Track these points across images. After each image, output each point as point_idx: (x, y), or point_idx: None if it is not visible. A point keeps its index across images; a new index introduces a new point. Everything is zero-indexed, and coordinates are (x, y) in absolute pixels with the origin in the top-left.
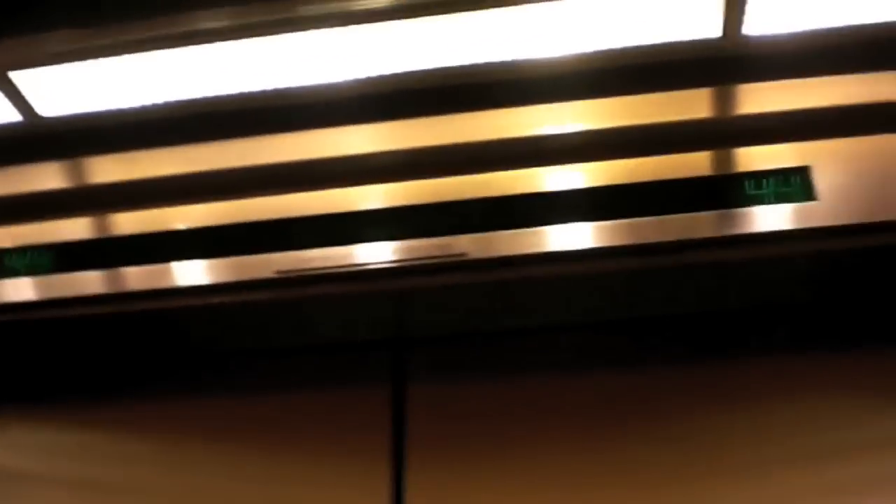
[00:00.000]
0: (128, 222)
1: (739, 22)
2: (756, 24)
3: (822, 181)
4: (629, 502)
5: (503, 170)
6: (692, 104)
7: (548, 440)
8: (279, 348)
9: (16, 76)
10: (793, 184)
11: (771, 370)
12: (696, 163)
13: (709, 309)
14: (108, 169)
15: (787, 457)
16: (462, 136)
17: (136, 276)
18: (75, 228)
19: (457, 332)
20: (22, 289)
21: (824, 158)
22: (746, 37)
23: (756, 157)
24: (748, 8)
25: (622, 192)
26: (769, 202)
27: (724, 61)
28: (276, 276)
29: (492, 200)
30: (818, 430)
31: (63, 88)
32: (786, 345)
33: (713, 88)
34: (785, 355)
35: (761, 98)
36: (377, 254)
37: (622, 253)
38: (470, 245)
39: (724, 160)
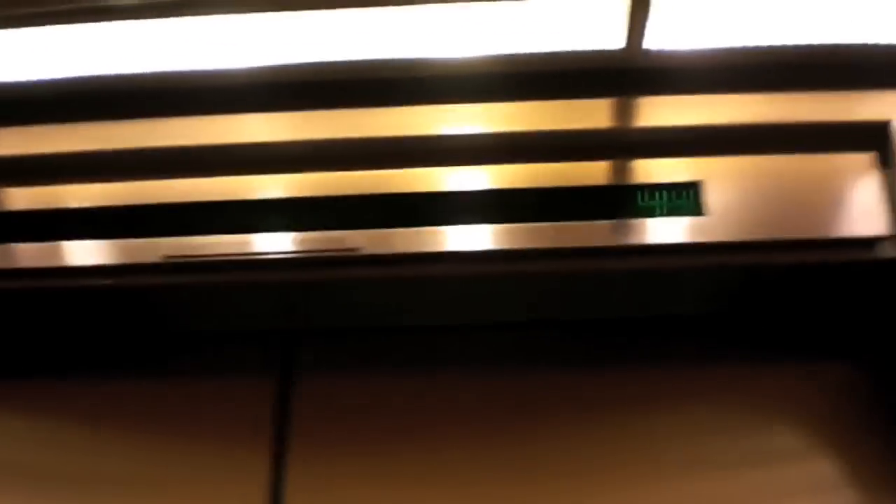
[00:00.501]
0: (17, 198)
1: (641, 35)
2: (658, 38)
3: (712, 197)
4: (513, 501)
5: (403, 167)
6: (593, 113)
7: (435, 439)
8: (166, 334)
9: None
10: (684, 198)
11: (663, 380)
12: (592, 172)
13: (604, 316)
14: None
15: (673, 466)
16: (364, 131)
17: (24, 254)
18: None
19: (349, 328)
20: None
21: (716, 175)
22: (648, 50)
23: (651, 170)
24: (650, 22)
25: (519, 196)
26: (661, 215)
27: (625, 73)
28: (163, 260)
29: (389, 197)
30: (705, 442)
31: None
32: (679, 356)
33: (614, 99)
34: (678, 366)
35: (660, 112)
36: (270, 244)
37: (517, 256)
38: (364, 240)
39: (621, 171)
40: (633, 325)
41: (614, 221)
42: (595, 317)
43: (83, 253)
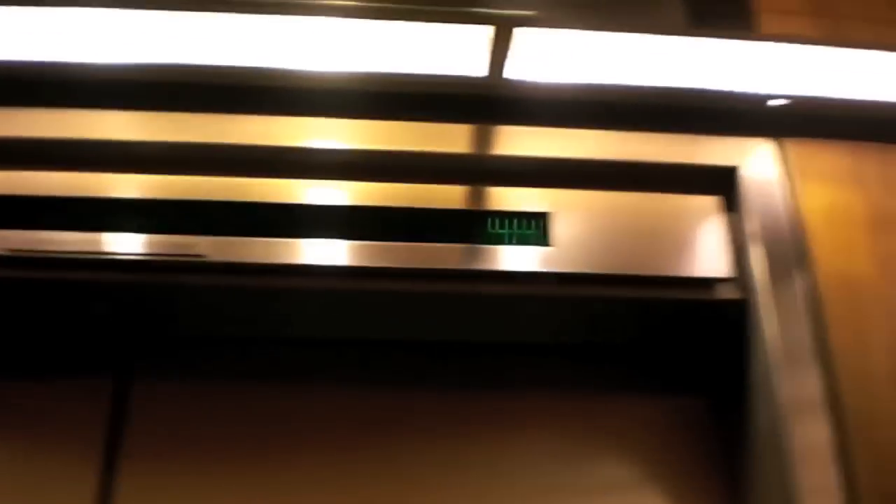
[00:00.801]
0: None
1: (502, 65)
2: (520, 69)
3: (559, 228)
4: None
5: (261, 176)
6: (452, 137)
7: (270, 451)
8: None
9: None
10: (532, 227)
11: (511, 406)
12: (447, 195)
13: (456, 339)
14: None
15: (515, 491)
16: (224, 137)
17: None
18: None
19: (190, 336)
20: None
21: (565, 207)
22: (510, 80)
23: (503, 198)
24: (513, 53)
25: (373, 214)
26: (510, 242)
27: (487, 101)
28: (6, 253)
29: (241, 205)
30: (546, 470)
31: None
32: (529, 383)
33: (473, 125)
34: (528, 393)
35: (517, 141)
36: (117, 244)
37: (366, 274)
38: (210, 247)
39: (474, 196)
40: (483, 351)
41: (465, 246)
42: (445, 339)
43: None
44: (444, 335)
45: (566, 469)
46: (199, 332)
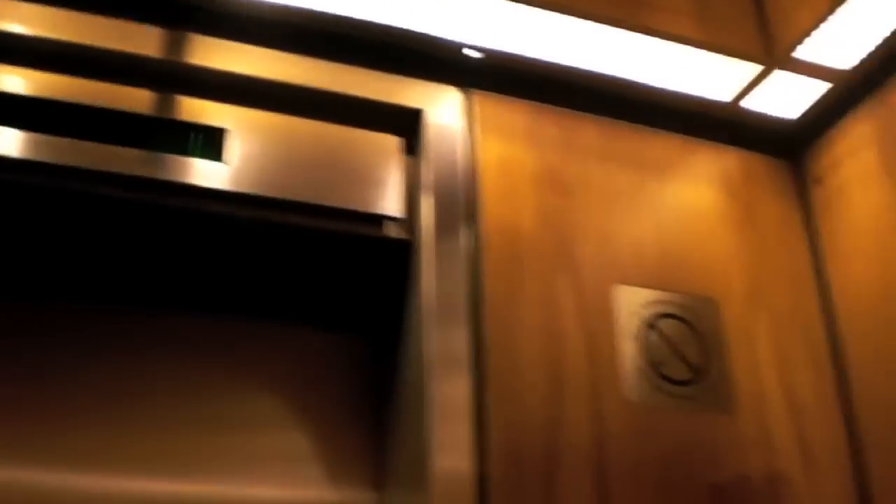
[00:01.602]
0: None
1: None
2: None
3: (236, 146)
4: None
5: None
6: (146, 40)
7: None
8: None
9: None
10: (209, 142)
11: (160, 328)
12: (131, 97)
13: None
14: None
15: (158, 419)
16: None
17: None
18: None
19: None
20: None
21: (245, 125)
22: None
23: (189, 109)
24: None
25: (48, 107)
26: (186, 154)
27: (188, 8)
28: None
29: None
30: (193, 399)
31: None
32: (185, 305)
33: (172, 31)
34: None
35: (212, 52)
36: None
37: (35, 168)
38: None
39: (159, 103)
40: (139, 267)
41: (145, 152)
42: (109, 257)
43: None
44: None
45: (211, 400)
46: None
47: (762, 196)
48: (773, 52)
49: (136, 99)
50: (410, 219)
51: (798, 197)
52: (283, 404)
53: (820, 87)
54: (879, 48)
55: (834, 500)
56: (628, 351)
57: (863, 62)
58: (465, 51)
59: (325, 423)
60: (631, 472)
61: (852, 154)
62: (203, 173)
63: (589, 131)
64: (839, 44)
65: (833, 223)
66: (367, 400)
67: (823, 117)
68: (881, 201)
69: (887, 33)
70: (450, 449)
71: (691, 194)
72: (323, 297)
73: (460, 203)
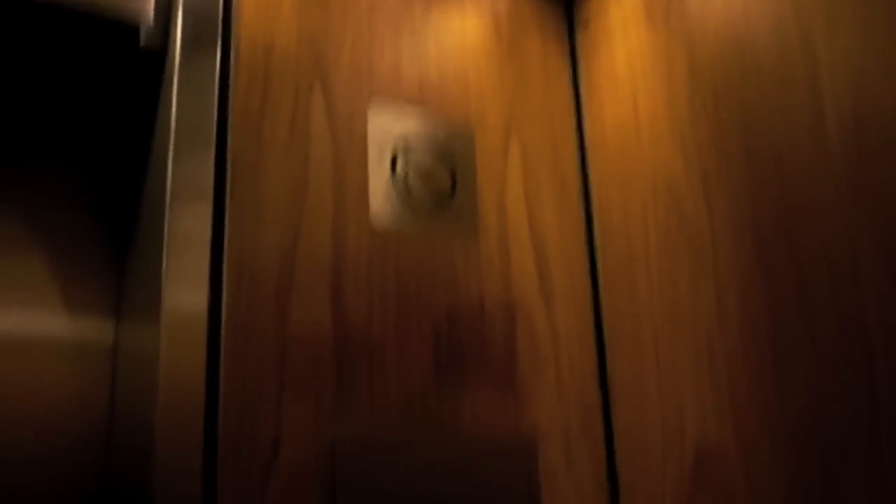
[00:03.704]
0: None
1: None
2: None
3: None
4: None
5: None
6: None
7: None
8: None
9: None
10: None
11: None
12: None
13: None
14: None
15: None
16: None
17: None
18: None
19: None
20: None
21: None
22: None
23: None
24: None
25: None
26: None
27: None
28: None
29: None
30: None
31: None
32: None
33: None
34: None
35: None
36: None
37: None
38: None
39: None
40: None
41: None
42: None
43: None
44: None
45: None
46: None
47: (529, 35)
48: None
49: None
50: (164, 30)
51: (566, 39)
52: (22, 237)
53: None
54: None
55: (570, 330)
56: (377, 175)
57: None
58: None
59: (63, 256)
60: (367, 294)
61: None
62: None
63: None
64: None
65: (595, 65)
66: (108, 229)
67: None
68: (639, 47)
69: None
70: (184, 280)
71: (456, 25)
72: (68, 122)
73: (216, 16)
